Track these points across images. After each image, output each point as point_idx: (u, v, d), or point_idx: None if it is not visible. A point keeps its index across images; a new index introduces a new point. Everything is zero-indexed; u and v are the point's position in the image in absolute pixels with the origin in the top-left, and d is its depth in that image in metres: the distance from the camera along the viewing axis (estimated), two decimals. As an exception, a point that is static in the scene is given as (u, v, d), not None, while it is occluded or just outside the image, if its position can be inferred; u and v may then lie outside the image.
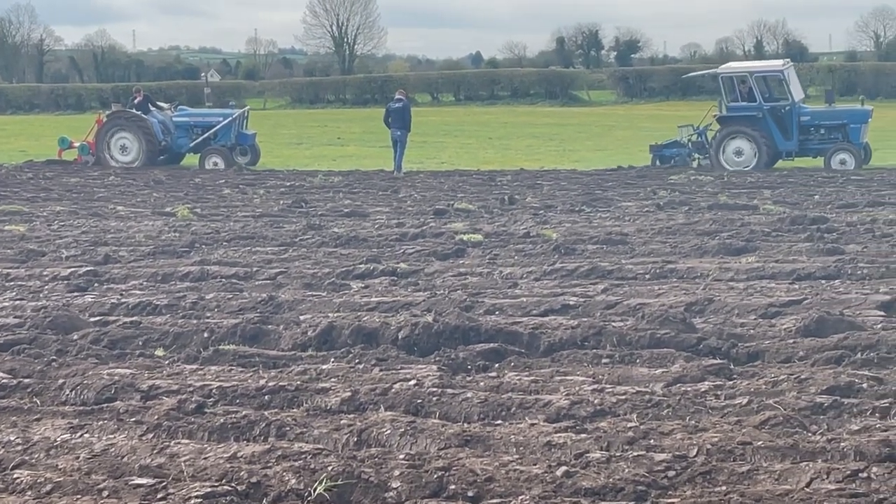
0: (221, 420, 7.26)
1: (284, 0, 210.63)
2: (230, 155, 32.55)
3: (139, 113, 32.79)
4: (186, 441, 6.88)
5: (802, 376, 8.12)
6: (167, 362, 9.24)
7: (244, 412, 7.42)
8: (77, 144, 33.51)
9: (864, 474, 5.94)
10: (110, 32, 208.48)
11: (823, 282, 12.40)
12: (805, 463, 6.20)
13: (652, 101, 75.26)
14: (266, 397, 7.96)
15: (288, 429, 7.12)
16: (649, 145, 32.48)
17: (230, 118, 33.22)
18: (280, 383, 8.19)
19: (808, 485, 5.88)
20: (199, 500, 5.72)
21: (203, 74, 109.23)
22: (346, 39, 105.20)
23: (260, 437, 7.04)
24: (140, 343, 9.91)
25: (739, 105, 30.35)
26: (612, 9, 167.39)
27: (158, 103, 35.08)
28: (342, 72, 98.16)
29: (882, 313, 10.53)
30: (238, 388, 8.09)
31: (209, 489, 5.84)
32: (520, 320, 10.36)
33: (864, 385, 7.91)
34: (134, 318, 10.71)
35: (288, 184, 26.82)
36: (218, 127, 32.88)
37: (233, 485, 5.96)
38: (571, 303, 11.22)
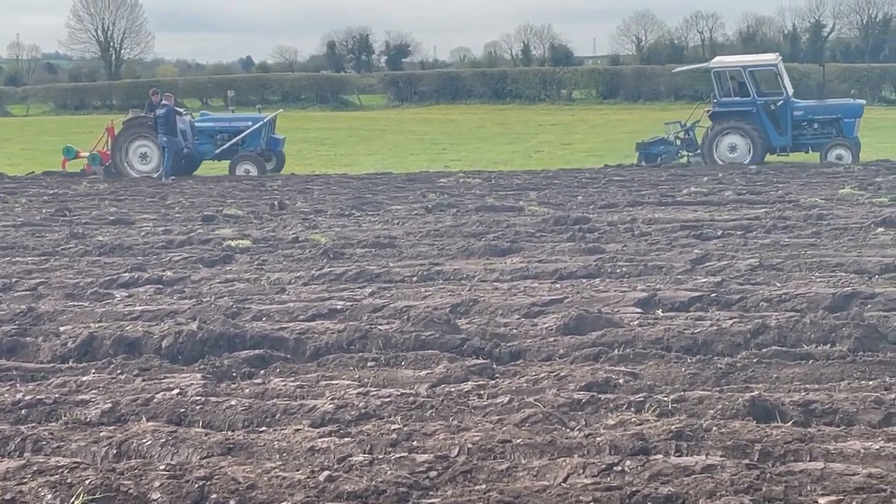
0: (-26, 437, 7.03)
1: (47, 4, 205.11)
2: (262, 161, 31.08)
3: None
4: (-63, 460, 6.64)
5: (562, 374, 8.30)
6: (-82, 379, 8.88)
7: (-1, 428, 7.20)
8: (84, 154, 31.49)
9: (619, 467, 6.10)
10: None
11: (584, 280, 12.71)
12: (562, 458, 6.33)
13: (422, 105, 76.00)
14: (23, 411, 7.73)
15: (45, 443, 6.93)
16: (636, 143, 31.92)
17: (260, 122, 31.59)
18: (38, 397, 7.96)
19: (564, 480, 6.02)
20: (-51, 521, 5.53)
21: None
22: (111, 44, 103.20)
23: (15, 453, 6.83)
24: None
25: (732, 100, 30.05)
26: (383, 14, 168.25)
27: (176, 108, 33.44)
28: (108, 77, 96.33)
29: (639, 310, 10.85)
30: (-7, 403, 7.85)
31: (-41, 509, 5.65)
32: (286, 326, 10.34)
33: (621, 380, 8.13)
34: None
35: (51, 192, 26.11)
36: (247, 132, 31.26)
37: (-15, 503, 5.78)
38: (339, 307, 11.23)
